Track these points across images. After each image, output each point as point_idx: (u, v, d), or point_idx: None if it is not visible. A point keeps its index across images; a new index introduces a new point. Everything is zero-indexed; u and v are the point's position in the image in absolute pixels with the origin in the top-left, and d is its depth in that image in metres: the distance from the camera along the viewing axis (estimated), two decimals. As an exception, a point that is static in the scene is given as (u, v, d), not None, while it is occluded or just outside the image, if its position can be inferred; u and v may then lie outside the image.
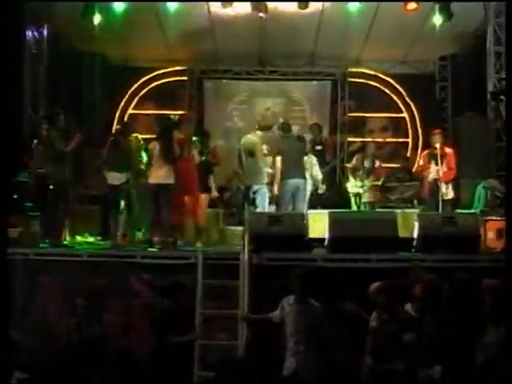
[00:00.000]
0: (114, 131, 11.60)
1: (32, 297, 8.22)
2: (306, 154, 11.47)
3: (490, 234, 10.00)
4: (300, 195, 10.84)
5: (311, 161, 11.75)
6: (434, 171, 11.13)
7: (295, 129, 15.92)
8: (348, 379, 7.13)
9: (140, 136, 11.41)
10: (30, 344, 7.33)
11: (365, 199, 12.23)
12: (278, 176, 10.82)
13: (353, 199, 12.42)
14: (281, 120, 15.79)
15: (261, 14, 13.05)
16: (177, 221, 10.26)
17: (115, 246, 10.04)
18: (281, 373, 6.97)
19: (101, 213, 11.70)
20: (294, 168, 10.87)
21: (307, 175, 11.37)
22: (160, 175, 9.96)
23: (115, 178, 10.28)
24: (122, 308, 7.94)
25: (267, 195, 10.87)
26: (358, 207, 12.27)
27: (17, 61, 12.14)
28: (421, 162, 11.75)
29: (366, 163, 12.42)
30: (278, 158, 10.80)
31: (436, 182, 11.08)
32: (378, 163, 12.60)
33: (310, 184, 11.65)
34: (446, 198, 11.03)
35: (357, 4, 12.85)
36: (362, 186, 12.24)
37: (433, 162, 11.16)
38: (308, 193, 11.47)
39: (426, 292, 6.90)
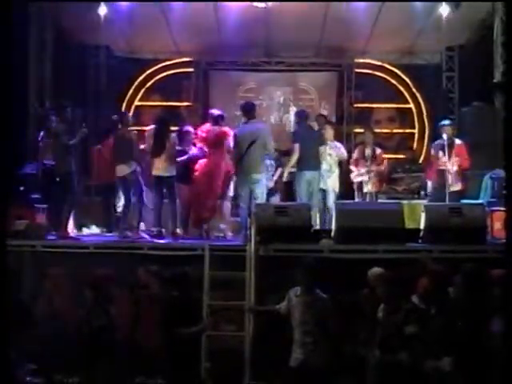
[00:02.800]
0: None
1: (40, 289, 8.24)
2: (321, 144, 11.29)
3: (497, 225, 9.98)
4: (316, 188, 10.77)
5: (335, 144, 11.90)
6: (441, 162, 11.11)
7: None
8: (355, 370, 7.14)
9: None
10: (38, 335, 7.36)
11: (368, 189, 12.18)
12: (292, 163, 10.81)
13: (356, 190, 12.38)
14: (293, 108, 15.97)
15: (260, 5, 13.06)
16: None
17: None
18: (288, 364, 6.99)
19: (105, 205, 11.80)
20: (310, 159, 10.74)
21: (332, 158, 11.55)
22: (161, 167, 10.04)
23: (121, 169, 10.32)
24: (130, 299, 7.97)
25: (265, 186, 10.76)
26: (362, 197, 12.23)
27: (22, 53, 12.14)
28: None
29: (367, 152, 12.38)
30: (296, 145, 10.67)
31: (443, 172, 11.04)
32: (379, 151, 12.55)
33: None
34: (453, 189, 11.00)
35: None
36: (366, 173, 12.17)
37: (441, 153, 11.14)
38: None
39: (434, 283, 6.90)
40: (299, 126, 11.15)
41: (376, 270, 7.34)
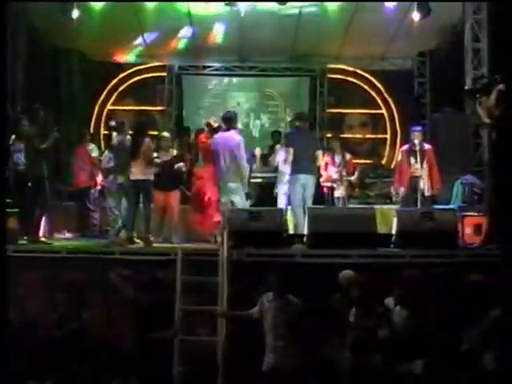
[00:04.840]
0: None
1: (12, 293, 8.17)
2: (317, 149, 11.05)
3: (468, 230, 10.09)
4: (309, 192, 10.67)
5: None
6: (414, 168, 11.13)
7: (267, 123, 16.15)
8: (327, 374, 7.16)
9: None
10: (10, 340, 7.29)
11: (339, 193, 12.24)
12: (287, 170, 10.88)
13: (326, 195, 12.42)
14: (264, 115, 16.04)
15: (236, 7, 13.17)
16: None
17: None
18: (261, 368, 7.00)
19: (78, 210, 11.81)
20: (306, 162, 10.64)
21: None
22: (137, 171, 10.03)
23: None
24: (102, 304, 7.92)
25: (243, 193, 10.75)
26: (332, 202, 12.28)
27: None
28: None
29: (337, 158, 12.45)
30: (291, 150, 10.65)
31: (415, 178, 11.05)
32: (348, 156, 12.63)
33: None
34: (426, 194, 11.03)
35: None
36: (334, 181, 12.25)
37: (412, 159, 11.13)
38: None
39: (409, 288, 6.96)
40: (296, 129, 11.14)
41: (348, 272, 7.38)
